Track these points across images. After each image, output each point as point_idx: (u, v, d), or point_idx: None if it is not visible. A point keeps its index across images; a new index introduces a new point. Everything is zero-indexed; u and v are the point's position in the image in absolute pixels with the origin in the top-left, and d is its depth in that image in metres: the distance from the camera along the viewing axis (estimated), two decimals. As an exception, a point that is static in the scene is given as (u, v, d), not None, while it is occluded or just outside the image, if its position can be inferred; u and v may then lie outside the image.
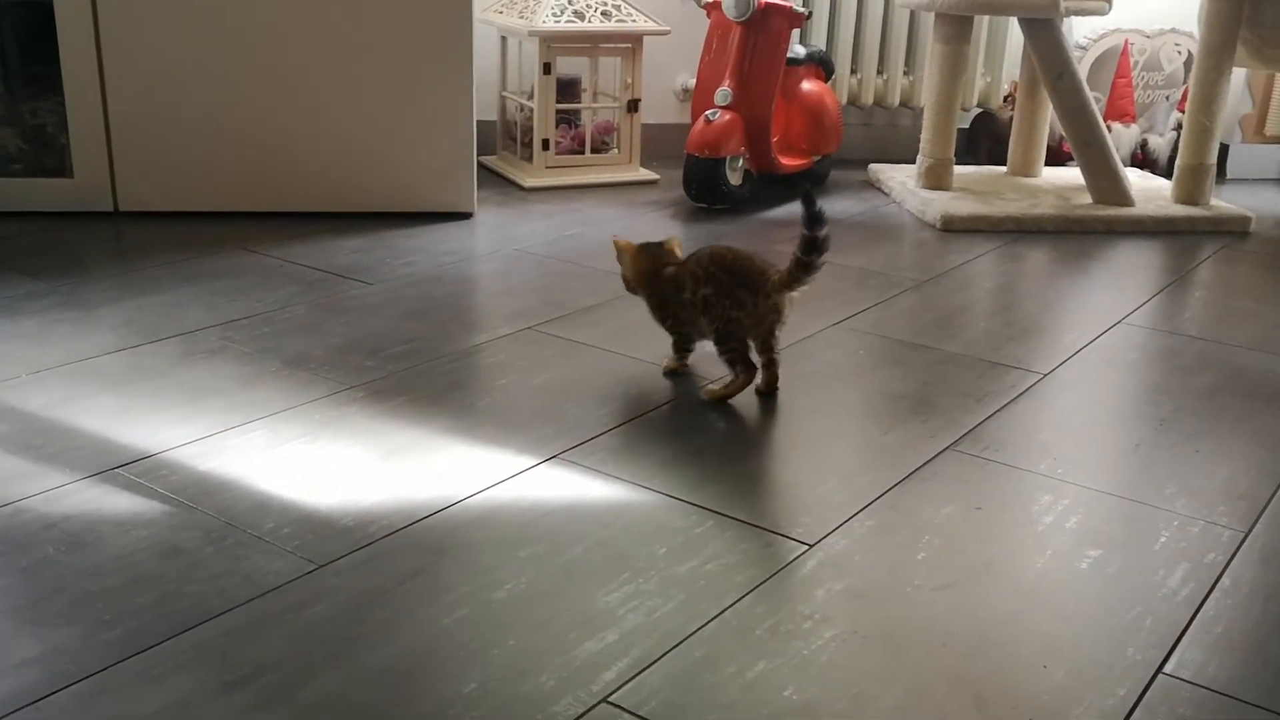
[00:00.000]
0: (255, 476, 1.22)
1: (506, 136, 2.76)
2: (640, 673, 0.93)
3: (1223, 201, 2.55)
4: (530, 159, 2.61)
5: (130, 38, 2.09)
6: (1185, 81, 3.00)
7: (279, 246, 2.04)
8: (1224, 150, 3.05)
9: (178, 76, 2.12)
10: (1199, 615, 1.05)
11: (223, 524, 1.12)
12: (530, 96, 2.59)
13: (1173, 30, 3.01)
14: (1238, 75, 2.97)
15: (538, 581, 1.05)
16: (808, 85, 2.65)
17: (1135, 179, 2.69)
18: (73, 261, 1.91)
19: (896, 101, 2.99)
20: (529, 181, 2.57)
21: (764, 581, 1.07)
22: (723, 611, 1.02)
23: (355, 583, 1.04)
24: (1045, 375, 1.60)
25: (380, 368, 1.52)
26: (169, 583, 1.02)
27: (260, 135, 2.18)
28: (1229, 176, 3.07)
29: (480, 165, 2.74)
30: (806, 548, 1.13)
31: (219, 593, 1.01)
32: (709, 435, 1.37)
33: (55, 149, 2.19)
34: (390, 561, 1.07)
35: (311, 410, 1.39)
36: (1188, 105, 2.47)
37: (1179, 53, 3.03)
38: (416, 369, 1.52)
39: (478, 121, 2.70)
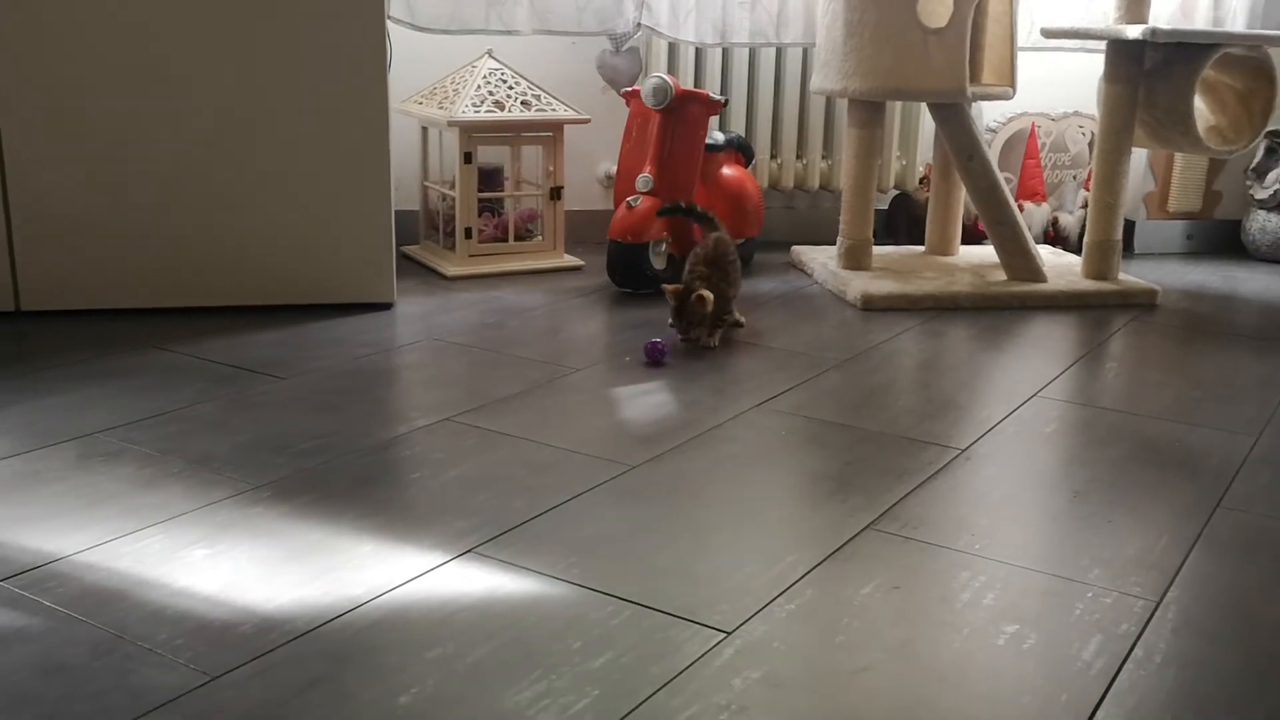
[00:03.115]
0: (149, 585, 1.17)
1: (429, 226, 2.76)
2: (548, 777, 0.90)
3: (1131, 276, 2.63)
4: (453, 248, 2.61)
5: (33, 131, 2.06)
6: (1090, 161, 3.11)
7: (191, 343, 2.00)
8: (1130, 226, 3.16)
9: (83, 169, 2.09)
10: (1113, 688, 1.04)
11: (112, 636, 1.07)
12: (452, 186, 2.60)
13: (1076, 113, 3.13)
14: (1140, 155, 3.09)
15: (445, 684, 1.01)
16: (728, 170, 2.70)
17: (1047, 255, 2.76)
18: (-27, 364, 1.85)
19: (817, 184, 3.05)
20: (452, 270, 2.56)
21: (680, 673, 1.04)
22: (637, 706, 0.99)
23: (251, 694, 0.99)
24: (963, 451, 1.61)
25: (288, 465, 1.48)
26: (49, 703, 0.97)
27: (172, 229, 2.15)
28: (1136, 251, 3.18)
29: (403, 255, 2.73)
30: (724, 635, 1.11)
31: (102, 710, 0.96)
32: (627, 524, 1.35)
33: (-41, 249, 2.13)
34: (289, 670, 1.03)
35: (213, 512, 1.34)
36: (1092, 184, 2.55)
37: (1083, 134, 3.14)
38: (327, 465, 1.49)
39: (400, 211, 2.71)
